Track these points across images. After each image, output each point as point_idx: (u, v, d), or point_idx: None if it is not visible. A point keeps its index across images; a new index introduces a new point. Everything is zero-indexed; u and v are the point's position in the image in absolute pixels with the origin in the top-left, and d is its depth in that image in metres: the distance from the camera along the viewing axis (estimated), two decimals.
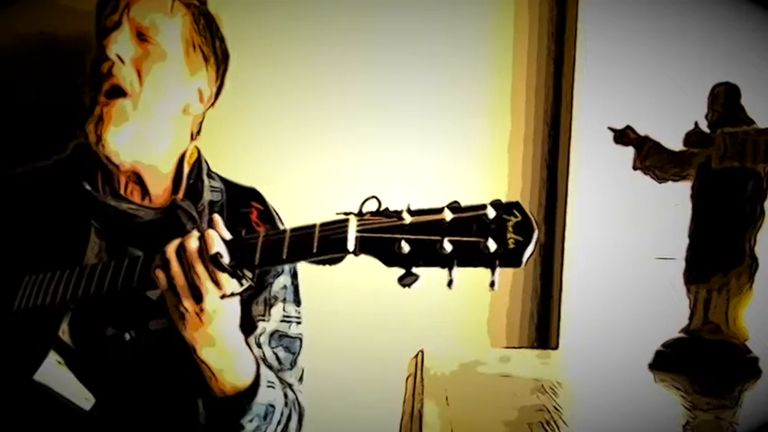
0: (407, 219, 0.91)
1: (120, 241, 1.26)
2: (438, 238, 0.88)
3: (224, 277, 1.05)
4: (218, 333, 1.10)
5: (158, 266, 1.08)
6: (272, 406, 1.22)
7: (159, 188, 1.33)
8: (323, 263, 0.97)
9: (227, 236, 1.07)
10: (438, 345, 1.66)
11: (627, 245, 1.85)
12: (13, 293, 1.19)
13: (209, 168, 1.40)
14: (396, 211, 0.92)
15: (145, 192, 1.32)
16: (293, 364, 1.36)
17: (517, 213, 0.88)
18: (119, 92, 1.25)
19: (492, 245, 0.86)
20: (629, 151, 1.64)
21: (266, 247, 1.01)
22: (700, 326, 1.56)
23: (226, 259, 1.03)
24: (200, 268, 1.04)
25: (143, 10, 1.28)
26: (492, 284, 0.87)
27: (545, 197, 1.92)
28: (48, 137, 1.44)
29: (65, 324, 1.19)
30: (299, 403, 1.33)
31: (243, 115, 1.87)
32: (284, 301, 1.34)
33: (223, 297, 1.06)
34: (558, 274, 1.90)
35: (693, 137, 1.59)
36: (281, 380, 1.29)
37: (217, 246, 1.04)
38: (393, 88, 1.91)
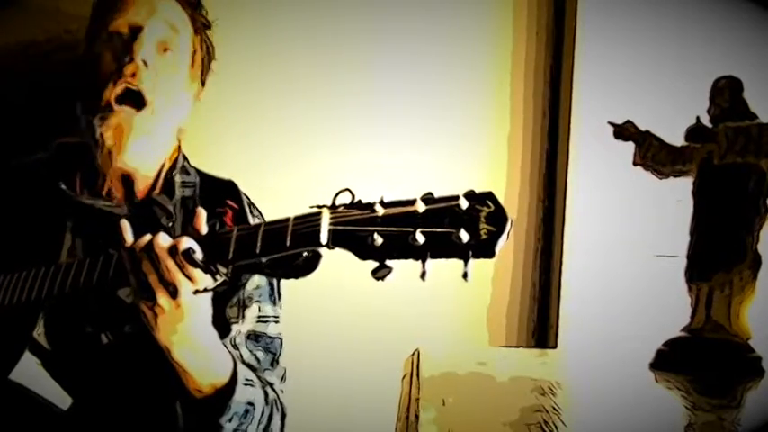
0: (380, 211, 0.91)
1: (97, 239, 1.24)
2: (410, 229, 0.88)
3: (197, 272, 1.04)
4: (191, 331, 1.10)
5: (128, 262, 1.07)
6: (252, 404, 1.22)
7: (144, 189, 1.33)
8: (297, 273, 0.97)
9: (205, 230, 1.07)
10: (434, 344, 1.66)
11: (627, 242, 1.85)
12: None
13: (185, 162, 1.39)
14: (368, 204, 0.92)
15: (129, 192, 1.31)
16: (274, 364, 1.35)
17: (490, 204, 0.88)
18: (133, 96, 1.25)
19: (464, 236, 0.86)
20: (630, 147, 1.63)
21: (240, 242, 1.00)
22: (701, 324, 1.55)
23: (198, 255, 1.03)
24: (170, 263, 1.04)
25: (160, 21, 1.29)
26: (464, 275, 0.87)
27: (544, 194, 1.92)
28: (31, 137, 1.44)
29: (40, 325, 1.17)
30: (280, 403, 1.32)
31: (242, 114, 1.88)
32: (259, 301, 1.33)
33: (196, 292, 1.05)
34: (556, 272, 1.89)
35: (695, 132, 1.59)
36: (260, 379, 1.29)
37: (186, 241, 1.04)
38: (389, 87, 1.92)
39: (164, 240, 1.05)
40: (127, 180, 1.31)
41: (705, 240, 1.56)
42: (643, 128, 1.62)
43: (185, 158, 1.40)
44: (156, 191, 1.32)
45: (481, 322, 1.91)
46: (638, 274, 1.83)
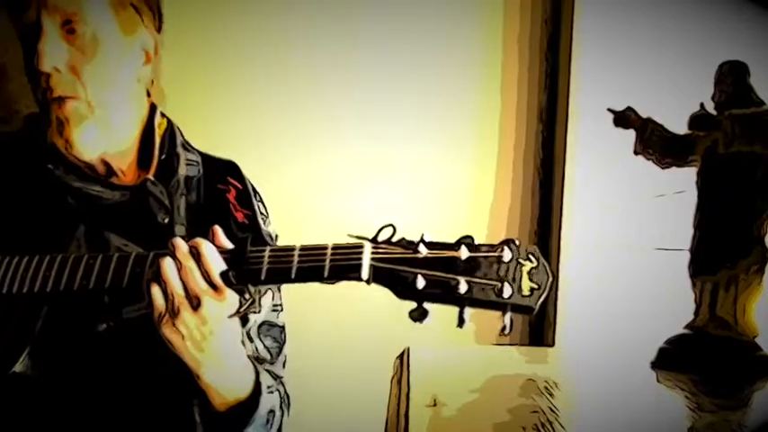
0: (423, 252, 0.93)
1: (92, 224, 1.20)
2: (454, 276, 0.91)
3: (227, 291, 1.03)
4: (221, 353, 1.07)
5: (152, 280, 1.04)
6: (273, 411, 1.21)
7: (124, 163, 1.27)
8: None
9: (229, 245, 1.05)
10: (425, 342, 1.63)
11: (628, 235, 1.85)
12: None
13: (184, 139, 1.35)
14: (411, 242, 0.95)
15: (110, 171, 1.25)
16: (279, 353, 1.33)
17: (533, 259, 0.91)
18: (61, 97, 1.20)
19: (507, 290, 0.90)
20: (630, 135, 1.62)
21: (273, 266, 1.01)
22: (706, 321, 1.54)
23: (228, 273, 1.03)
24: (198, 278, 1.02)
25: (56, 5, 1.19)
26: (503, 329, 0.90)
27: (540, 185, 1.93)
28: None
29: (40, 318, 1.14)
30: (287, 396, 1.31)
31: (242, 111, 1.94)
32: (271, 289, 1.30)
33: (230, 317, 1.04)
34: (554, 267, 1.82)
35: (699, 119, 1.57)
36: (273, 376, 1.27)
37: (216, 262, 1.02)
38: (385, 85, 1.95)
39: (190, 260, 1.02)
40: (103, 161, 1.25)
41: (709, 233, 1.54)
42: (644, 115, 1.61)
43: (181, 133, 1.34)
44: (150, 173, 1.26)
45: (473, 320, 1.89)
46: (639, 269, 1.83)
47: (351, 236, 0.96)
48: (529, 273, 0.90)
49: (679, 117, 1.59)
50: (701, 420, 1.24)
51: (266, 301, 1.26)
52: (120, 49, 1.22)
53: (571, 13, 1.90)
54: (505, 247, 0.91)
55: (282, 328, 1.33)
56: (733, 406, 1.35)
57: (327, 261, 0.95)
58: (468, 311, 0.91)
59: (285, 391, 1.28)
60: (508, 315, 0.90)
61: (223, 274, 1.01)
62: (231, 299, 1.03)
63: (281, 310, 1.34)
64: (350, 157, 1.91)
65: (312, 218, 1.84)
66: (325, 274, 0.95)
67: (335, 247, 0.96)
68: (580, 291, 1.87)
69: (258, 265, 1.00)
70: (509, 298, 0.89)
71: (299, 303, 1.53)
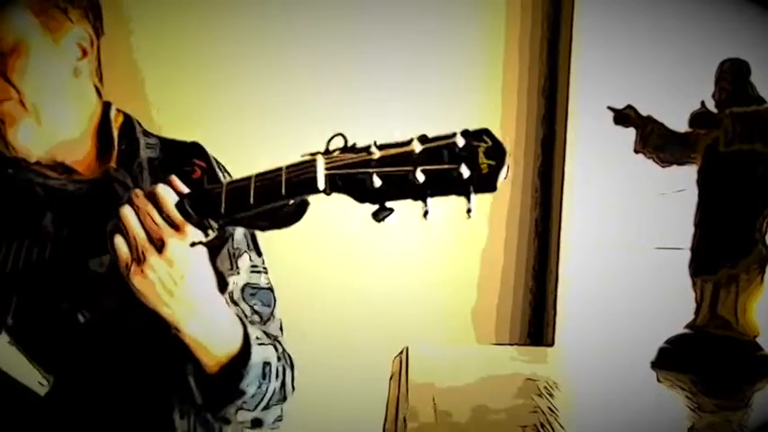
0: (376, 153, 0.93)
1: (59, 212, 1.21)
2: (410, 168, 0.90)
3: (187, 227, 1.03)
4: (196, 298, 1.08)
5: (114, 231, 1.05)
6: (268, 363, 1.21)
7: (77, 157, 1.28)
8: (285, 223, 0.98)
9: (185, 190, 1.06)
10: (424, 341, 1.64)
11: (628, 234, 1.84)
12: None
13: (142, 128, 1.36)
14: (364, 147, 0.94)
15: (66, 168, 1.26)
16: (271, 316, 1.33)
17: (487, 139, 0.90)
18: None
19: (465, 171, 0.89)
20: (630, 134, 1.61)
21: (232, 194, 1.01)
22: (706, 321, 1.53)
23: (185, 207, 1.03)
24: (158, 219, 1.03)
25: None
26: (468, 211, 0.89)
27: (539, 184, 1.92)
28: None
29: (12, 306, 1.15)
30: (288, 355, 1.31)
31: (226, 102, 1.94)
32: (248, 249, 1.32)
33: (193, 244, 1.04)
34: (553, 265, 1.89)
35: (700, 117, 1.56)
36: (267, 334, 1.27)
37: (172, 197, 1.03)
38: (385, 85, 1.96)
39: (146, 199, 1.04)
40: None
41: (710, 232, 1.53)
42: (644, 113, 1.60)
43: (139, 124, 1.36)
44: (112, 163, 1.27)
45: (471, 319, 1.91)
46: (639, 269, 1.82)
47: (303, 155, 0.96)
48: (485, 152, 0.89)
49: (678, 117, 1.59)
50: (702, 420, 1.23)
51: (243, 262, 1.29)
52: (49, 48, 1.23)
53: (571, 12, 1.90)
54: (458, 134, 0.90)
55: (269, 289, 1.33)
56: (733, 406, 1.34)
57: (283, 179, 0.96)
58: (432, 202, 0.90)
59: (284, 350, 1.28)
60: (473, 197, 0.89)
61: (179, 206, 1.01)
62: (194, 235, 1.03)
63: (265, 271, 1.34)
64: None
65: (313, 217, 1.84)
66: (283, 191, 0.95)
67: (290, 166, 0.97)
68: (580, 290, 1.86)
69: (217, 197, 1.00)
70: (468, 178, 0.88)
71: (299, 302, 1.54)
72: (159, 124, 1.87)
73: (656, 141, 1.58)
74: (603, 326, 1.82)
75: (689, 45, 1.77)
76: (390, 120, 1.93)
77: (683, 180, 1.59)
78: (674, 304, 1.61)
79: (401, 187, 0.91)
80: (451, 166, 0.89)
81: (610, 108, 1.61)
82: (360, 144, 0.95)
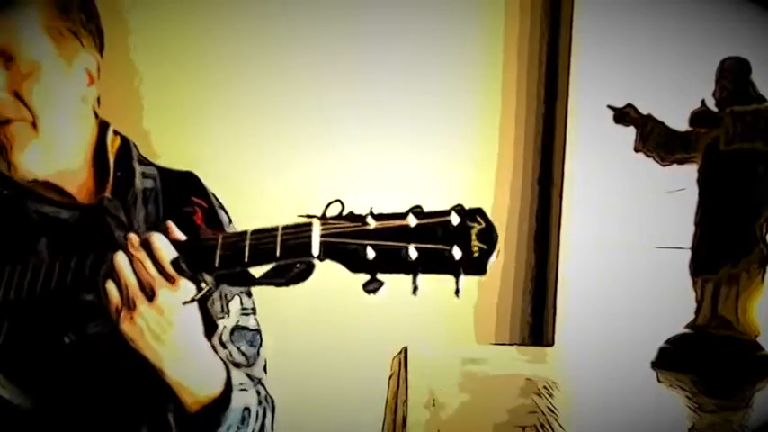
0: (372, 224, 0.94)
1: (53, 238, 1.21)
2: (403, 244, 0.92)
3: (181, 280, 1.03)
4: (182, 345, 1.08)
5: (106, 276, 1.05)
6: (248, 409, 1.21)
7: (75, 184, 1.28)
8: (289, 283, 0.98)
9: (182, 237, 1.06)
10: (423, 341, 1.64)
11: (628, 234, 1.84)
12: None
13: (139, 154, 1.36)
14: (360, 216, 0.95)
15: (62, 192, 1.26)
16: (257, 356, 1.33)
17: (480, 220, 0.92)
18: (7, 120, 1.22)
19: (457, 252, 0.90)
20: (630, 133, 1.61)
21: (226, 250, 1.01)
22: (707, 321, 1.53)
23: (179, 261, 1.03)
24: (152, 270, 1.03)
25: None
26: (456, 292, 0.90)
27: (539, 182, 1.92)
28: None
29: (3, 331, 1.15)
30: (270, 398, 1.31)
31: (232, 115, 1.95)
32: (240, 292, 1.32)
33: (185, 303, 1.04)
34: (553, 265, 1.89)
35: (700, 116, 1.56)
36: (251, 377, 1.28)
37: (168, 251, 1.03)
38: (385, 85, 1.96)
39: (141, 249, 1.03)
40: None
41: (710, 231, 1.53)
42: (645, 112, 1.60)
43: (136, 148, 1.35)
44: (106, 192, 1.27)
45: (471, 319, 1.91)
46: (639, 268, 1.82)
47: (300, 216, 0.96)
48: (477, 234, 0.90)
49: (678, 116, 1.59)
50: (702, 420, 1.23)
51: (234, 305, 1.29)
52: (62, 72, 1.23)
53: (571, 12, 1.91)
54: (453, 212, 0.92)
55: (257, 331, 1.33)
56: (734, 406, 1.34)
57: (279, 241, 0.96)
58: (422, 278, 0.90)
59: (267, 393, 1.29)
60: (462, 278, 0.90)
61: (175, 263, 1.01)
62: (187, 288, 1.03)
63: (254, 313, 1.34)
64: (350, 158, 1.92)
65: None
66: (277, 253, 0.95)
67: (286, 227, 0.97)
68: (580, 290, 1.87)
69: (211, 251, 1.00)
70: (459, 260, 0.89)
71: (298, 303, 1.53)
72: (159, 125, 1.87)
73: (656, 140, 1.58)
74: (603, 326, 1.82)
75: (689, 44, 1.77)
76: (390, 120, 1.93)
77: (684, 179, 1.59)
78: (674, 304, 1.61)
79: (393, 262, 0.91)
80: (444, 247, 0.90)
81: (610, 107, 1.62)
82: (354, 204, 0.95)
